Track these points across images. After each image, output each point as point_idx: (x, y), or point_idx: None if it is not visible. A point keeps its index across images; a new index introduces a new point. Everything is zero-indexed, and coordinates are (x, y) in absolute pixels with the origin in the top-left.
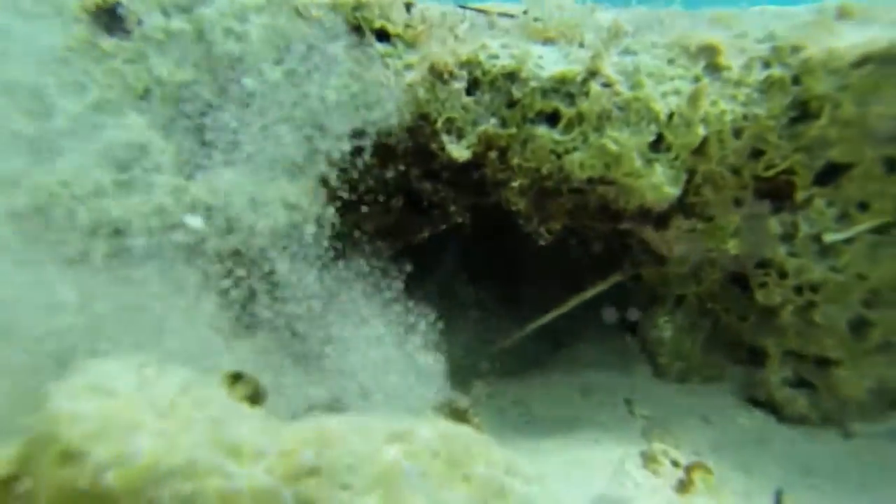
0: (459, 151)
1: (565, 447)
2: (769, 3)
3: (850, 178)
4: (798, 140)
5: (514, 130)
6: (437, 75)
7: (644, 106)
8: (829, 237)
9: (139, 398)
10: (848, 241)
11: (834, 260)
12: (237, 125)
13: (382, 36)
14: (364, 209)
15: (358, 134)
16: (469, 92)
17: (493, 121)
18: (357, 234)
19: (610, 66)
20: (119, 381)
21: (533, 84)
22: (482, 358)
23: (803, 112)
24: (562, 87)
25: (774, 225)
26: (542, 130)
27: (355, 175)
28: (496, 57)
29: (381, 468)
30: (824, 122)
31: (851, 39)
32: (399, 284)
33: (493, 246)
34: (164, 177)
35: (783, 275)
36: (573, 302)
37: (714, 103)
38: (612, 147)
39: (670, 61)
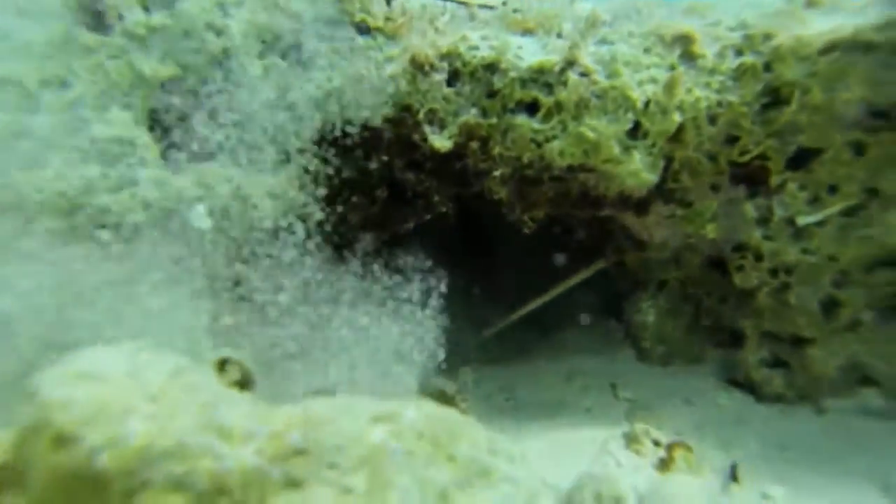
0: (441, 142)
1: (550, 429)
2: None
3: (821, 163)
4: (770, 126)
5: (494, 120)
6: (419, 67)
7: (621, 94)
8: (801, 220)
9: (130, 383)
10: (819, 223)
11: (807, 242)
12: (219, 119)
13: (363, 29)
14: (351, 199)
15: (342, 126)
16: (450, 83)
17: (473, 111)
18: (342, 225)
19: (587, 56)
20: (110, 367)
21: (512, 74)
22: (468, 346)
23: (775, 98)
24: (540, 77)
25: (750, 209)
26: (521, 120)
27: (339, 166)
28: (476, 48)
29: (367, 448)
30: (794, 107)
31: (818, 27)
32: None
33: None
34: (148, 170)
35: (759, 258)
36: (558, 289)
37: (689, 91)
38: (591, 135)
39: (646, 50)
